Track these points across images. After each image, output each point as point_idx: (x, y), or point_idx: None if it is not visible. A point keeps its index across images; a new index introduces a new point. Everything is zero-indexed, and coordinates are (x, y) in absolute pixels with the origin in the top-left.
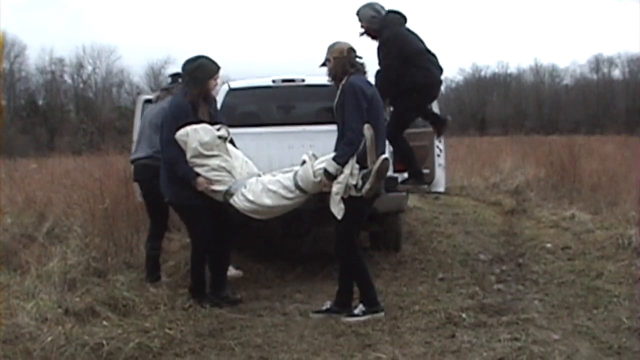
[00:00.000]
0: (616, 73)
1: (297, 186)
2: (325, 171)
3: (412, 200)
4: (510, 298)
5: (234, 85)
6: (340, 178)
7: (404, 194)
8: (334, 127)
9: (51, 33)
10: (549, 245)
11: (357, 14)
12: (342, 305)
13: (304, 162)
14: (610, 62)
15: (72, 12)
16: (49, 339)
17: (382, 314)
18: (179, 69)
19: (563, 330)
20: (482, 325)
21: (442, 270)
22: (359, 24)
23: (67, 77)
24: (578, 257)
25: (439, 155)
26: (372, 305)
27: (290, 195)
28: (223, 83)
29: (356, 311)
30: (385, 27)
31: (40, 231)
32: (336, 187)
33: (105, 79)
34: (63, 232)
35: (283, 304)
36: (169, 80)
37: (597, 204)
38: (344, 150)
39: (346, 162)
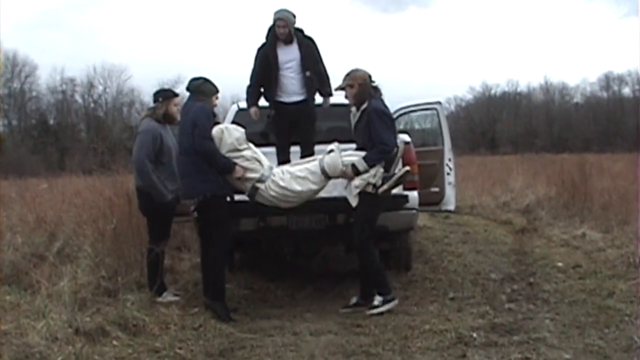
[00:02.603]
0: (626, 91)
1: (322, 171)
2: (354, 166)
3: (423, 219)
4: (521, 317)
5: (243, 105)
6: (365, 175)
7: (414, 211)
8: (343, 145)
9: (62, 53)
10: (560, 264)
11: (283, 17)
12: (367, 298)
13: (331, 150)
14: (621, 79)
15: (83, 31)
16: (60, 358)
17: (397, 301)
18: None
19: (574, 350)
20: (493, 344)
21: (452, 290)
22: (282, 26)
23: (78, 97)
24: (589, 276)
25: (448, 174)
26: (387, 294)
27: (316, 179)
28: (233, 103)
29: (375, 302)
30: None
31: (51, 250)
32: (358, 181)
33: (116, 98)
34: (73, 251)
35: (293, 324)
36: (153, 98)
37: (608, 222)
38: (377, 156)
39: (374, 165)
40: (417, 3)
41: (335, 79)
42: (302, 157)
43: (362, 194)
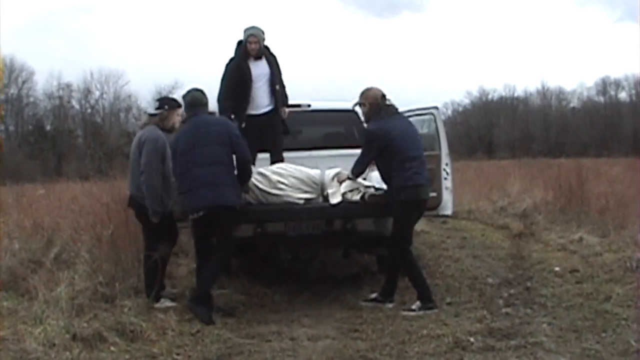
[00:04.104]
0: (623, 95)
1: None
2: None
3: (420, 225)
4: (519, 322)
5: None
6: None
7: None
8: (339, 151)
9: (59, 58)
10: (557, 268)
11: (255, 34)
12: (386, 295)
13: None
14: (617, 84)
15: (80, 37)
16: None
17: (436, 310)
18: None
19: (571, 354)
20: (490, 349)
21: (450, 295)
22: (254, 42)
23: (74, 102)
24: (586, 280)
25: (445, 179)
26: (426, 302)
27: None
28: None
29: (413, 307)
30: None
31: (48, 256)
32: (345, 185)
33: (113, 104)
34: (71, 257)
35: (291, 329)
36: (157, 104)
37: (605, 226)
38: (353, 168)
39: (358, 175)
40: (411, 8)
41: (331, 83)
42: (272, 163)
43: (393, 207)
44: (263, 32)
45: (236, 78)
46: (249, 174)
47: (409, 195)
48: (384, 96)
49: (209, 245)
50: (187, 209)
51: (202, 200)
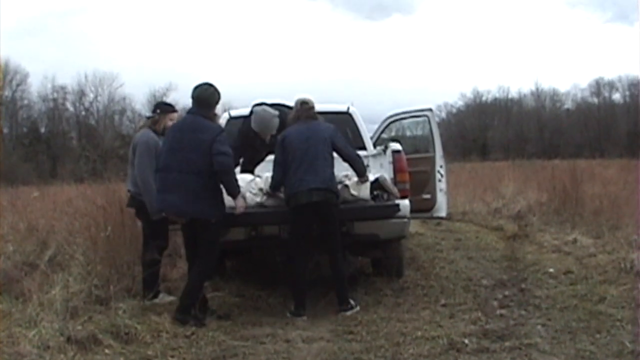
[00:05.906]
0: (617, 96)
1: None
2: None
3: (414, 226)
4: (513, 323)
5: (234, 113)
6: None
7: (406, 220)
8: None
9: (53, 61)
10: (551, 270)
11: (262, 131)
12: (342, 302)
13: None
14: (611, 85)
15: (74, 39)
16: None
17: (304, 317)
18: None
19: (566, 355)
20: (485, 351)
21: (444, 296)
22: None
23: (69, 105)
24: (580, 281)
25: (440, 181)
26: (296, 309)
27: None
28: (224, 111)
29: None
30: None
31: (42, 259)
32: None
33: (107, 106)
34: (65, 259)
35: (285, 331)
36: (153, 108)
37: (599, 228)
38: (270, 184)
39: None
40: (401, 10)
41: (321, 85)
42: None
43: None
44: (275, 117)
45: (248, 149)
46: (232, 185)
47: (290, 204)
48: (303, 103)
49: (196, 250)
50: (152, 209)
51: (169, 205)
